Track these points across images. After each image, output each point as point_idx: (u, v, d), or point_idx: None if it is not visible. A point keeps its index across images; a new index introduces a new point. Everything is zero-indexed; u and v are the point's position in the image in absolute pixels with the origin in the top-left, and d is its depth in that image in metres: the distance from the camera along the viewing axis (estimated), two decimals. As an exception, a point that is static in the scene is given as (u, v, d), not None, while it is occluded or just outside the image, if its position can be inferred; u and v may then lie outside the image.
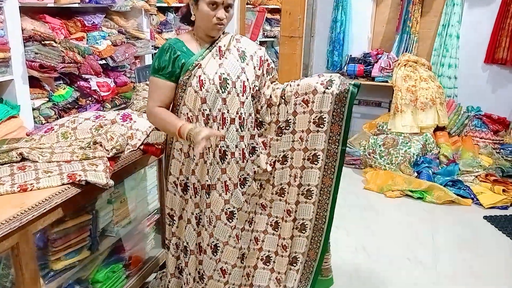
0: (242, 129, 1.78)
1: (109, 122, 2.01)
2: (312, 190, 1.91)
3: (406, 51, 4.83)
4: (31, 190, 1.48)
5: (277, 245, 2.03)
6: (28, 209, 1.37)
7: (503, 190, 3.58)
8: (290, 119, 1.90)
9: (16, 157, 1.67)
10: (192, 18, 1.74)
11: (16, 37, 2.51)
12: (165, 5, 4.30)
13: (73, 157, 1.72)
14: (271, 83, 1.95)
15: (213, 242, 1.84)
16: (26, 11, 2.72)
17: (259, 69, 1.85)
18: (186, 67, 1.70)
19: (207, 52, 1.74)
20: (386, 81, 4.65)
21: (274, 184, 1.97)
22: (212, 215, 1.81)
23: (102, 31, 3.32)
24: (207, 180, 1.78)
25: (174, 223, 1.93)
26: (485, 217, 3.29)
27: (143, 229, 2.27)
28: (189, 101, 1.72)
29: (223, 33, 1.82)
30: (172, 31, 4.37)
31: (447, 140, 4.36)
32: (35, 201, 1.41)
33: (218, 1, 1.64)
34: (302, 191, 1.93)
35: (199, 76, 1.68)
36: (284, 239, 2.00)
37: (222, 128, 1.73)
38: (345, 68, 4.92)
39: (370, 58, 4.88)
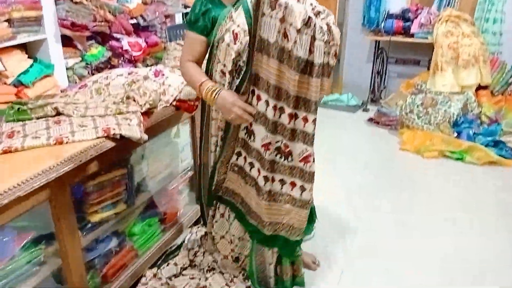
0: None
1: (141, 78, 1.99)
2: None
3: (448, 6, 4.54)
4: (66, 143, 1.48)
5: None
6: (65, 160, 1.38)
7: (550, 151, 3.39)
8: None
9: (51, 112, 1.68)
10: None
11: (47, -6, 2.49)
12: (195, -39, 4.19)
13: (107, 111, 1.71)
14: None
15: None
16: (56, -32, 2.69)
17: None
18: (219, 22, 1.59)
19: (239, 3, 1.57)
20: (426, 38, 4.41)
21: None
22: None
23: (132, -12, 3.26)
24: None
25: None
26: (530, 179, 3.15)
27: (177, 186, 2.28)
28: (222, 56, 1.61)
29: None
30: (202, -12, 4.27)
31: (489, 99, 4.14)
32: (71, 153, 1.42)
33: None
34: None
35: (233, 31, 1.55)
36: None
37: None
38: (383, 24, 4.69)
39: (409, 14, 4.63)
